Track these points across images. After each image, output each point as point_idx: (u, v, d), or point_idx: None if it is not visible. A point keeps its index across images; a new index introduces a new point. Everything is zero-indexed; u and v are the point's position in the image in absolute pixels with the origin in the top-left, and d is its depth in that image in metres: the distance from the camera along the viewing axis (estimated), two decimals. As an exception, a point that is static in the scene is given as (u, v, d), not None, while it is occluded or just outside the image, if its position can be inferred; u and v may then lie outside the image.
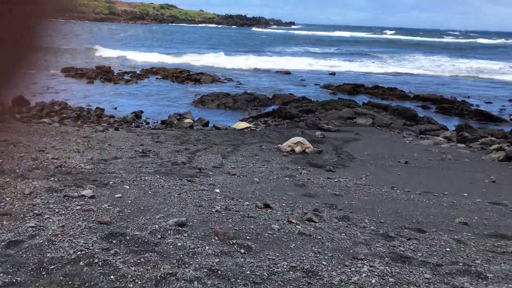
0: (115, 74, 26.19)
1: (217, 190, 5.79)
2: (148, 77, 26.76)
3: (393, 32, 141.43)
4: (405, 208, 6.04)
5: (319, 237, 4.39)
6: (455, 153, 11.20)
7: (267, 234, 4.31)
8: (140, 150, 8.57)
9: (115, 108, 17.72)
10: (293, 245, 4.10)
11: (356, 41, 78.35)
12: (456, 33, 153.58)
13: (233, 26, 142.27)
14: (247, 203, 5.33)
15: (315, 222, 4.87)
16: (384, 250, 4.20)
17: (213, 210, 4.83)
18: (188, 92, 22.08)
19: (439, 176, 8.58)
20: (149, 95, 21.36)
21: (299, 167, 8.42)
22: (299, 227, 4.61)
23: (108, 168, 6.68)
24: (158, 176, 6.35)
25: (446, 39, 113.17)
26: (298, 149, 9.97)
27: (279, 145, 10.36)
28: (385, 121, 15.74)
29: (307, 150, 10.03)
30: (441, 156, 10.55)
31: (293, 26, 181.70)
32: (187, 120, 15.28)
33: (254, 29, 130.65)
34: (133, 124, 14.73)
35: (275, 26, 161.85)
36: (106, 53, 37.61)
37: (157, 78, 26.42)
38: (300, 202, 5.77)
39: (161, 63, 33.77)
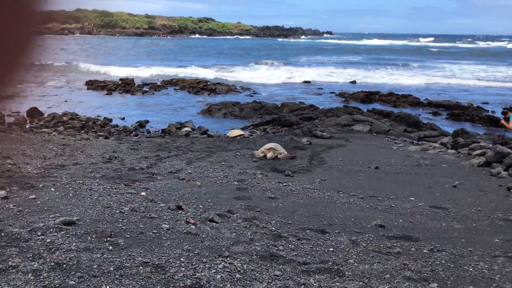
0: (135, 85, 26.99)
1: (143, 193, 6.01)
2: (166, 88, 27.46)
3: (430, 39, 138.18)
4: (331, 211, 6.06)
5: (203, 235, 4.52)
6: (438, 158, 10.99)
7: (151, 233, 4.48)
8: (108, 157, 8.91)
9: (123, 118, 18.31)
10: (168, 243, 4.25)
11: (386, 49, 77.22)
12: (505, 40, 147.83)
13: (268, 37, 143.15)
14: (162, 205, 5.51)
15: (217, 222, 5.00)
16: (259, 249, 4.28)
17: (118, 211, 5.04)
18: (200, 102, 22.51)
19: (401, 181, 8.47)
20: (160, 105, 21.93)
21: (258, 172, 8.53)
22: (193, 227, 4.75)
23: (57, 173, 7.02)
24: (98, 180, 6.63)
25: (485, 45, 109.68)
26: (269, 155, 10.07)
27: (254, 151, 10.50)
28: (384, 127, 15.56)
29: (279, 156, 10.12)
30: (419, 162, 10.39)
31: (328, 35, 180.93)
32: (185, 129, 15.65)
33: (282, 39, 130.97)
34: (132, 133, 15.21)
35: (310, 36, 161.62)
36: (89, 68, 36.49)
37: (175, 89, 27.07)
38: (223, 204, 5.91)
39: (174, 74, 34.50)
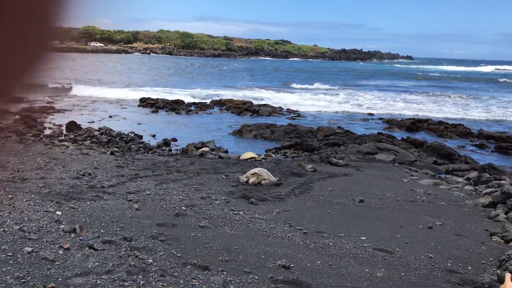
0: (184, 104, 27.54)
1: (58, 213, 5.89)
2: (213, 108, 27.76)
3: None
4: (249, 245, 5.60)
5: (58, 263, 4.29)
6: (443, 195, 9.99)
7: (7, 255, 4.31)
8: (82, 173, 8.98)
9: (154, 136, 18.60)
10: (8, 268, 4.05)
11: (460, 76, 73.29)
12: None
13: (344, 60, 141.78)
14: (63, 226, 5.35)
15: (96, 249, 4.75)
16: (99, 282, 3.95)
17: (2, 230, 4.94)
18: (237, 123, 22.40)
19: (373, 218, 7.73)
20: (198, 124, 22.15)
21: (224, 198, 8.18)
22: (60, 252, 4.53)
23: (8, 185, 7.12)
24: (33, 195, 6.63)
25: None
26: (252, 180, 9.67)
27: (239, 176, 10.14)
28: (409, 158, 14.53)
29: (262, 182, 9.68)
30: (417, 197, 9.49)
31: (406, 60, 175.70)
32: (203, 149, 15.58)
33: (358, 62, 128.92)
34: (151, 150, 15.35)
35: (386, 60, 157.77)
36: (78, 92, 32.54)
37: (220, 109, 27.29)
38: (134, 230, 5.64)
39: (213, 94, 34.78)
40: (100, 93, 31.12)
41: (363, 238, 6.49)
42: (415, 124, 22.50)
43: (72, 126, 18.98)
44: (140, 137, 18.25)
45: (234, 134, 19.74)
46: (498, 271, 5.50)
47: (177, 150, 16.06)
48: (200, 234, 5.83)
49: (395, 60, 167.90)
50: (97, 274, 4.14)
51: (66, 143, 14.91)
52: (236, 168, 11.70)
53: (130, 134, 18.46)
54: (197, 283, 4.23)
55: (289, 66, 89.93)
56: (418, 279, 5.07)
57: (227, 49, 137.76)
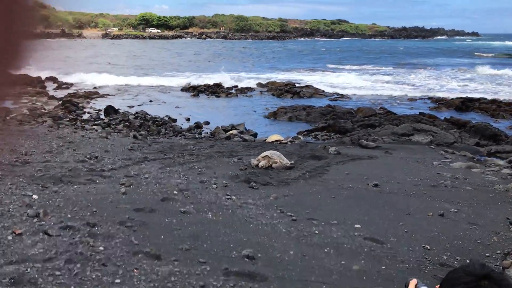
0: (225, 88, 27.35)
1: (35, 196, 5.78)
2: (254, 90, 27.37)
3: None
4: (220, 233, 5.24)
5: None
6: (473, 179, 9.13)
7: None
8: (89, 156, 8.93)
9: (188, 119, 18.51)
10: None
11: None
12: None
13: (405, 39, 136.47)
14: (30, 211, 5.22)
15: (50, 235, 4.57)
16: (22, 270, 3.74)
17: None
18: (275, 106, 21.89)
19: (382, 204, 7.12)
20: (234, 107, 21.90)
21: (224, 181, 7.84)
22: (9, 238, 4.37)
23: (6, 168, 7.15)
24: (21, 179, 6.59)
25: None
26: (262, 163, 9.27)
27: (252, 159, 9.75)
28: (448, 139, 13.53)
29: (273, 165, 9.25)
30: (441, 181, 8.72)
31: (472, 37, 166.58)
32: (231, 131, 15.28)
33: (419, 40, 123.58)
34: (181, 133, 15.22)
35: (444, 37, 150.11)
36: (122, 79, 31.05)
37: (260, 92, 26.85)
38: (105, 215, 5.44)
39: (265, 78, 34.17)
40: (144, 80, 31.49)
41: (358, 226, 5.94)
42: (465, 103, 21.04)
43: (110, 110, 19.26)
44: (174, 120, 18.22)
45: (269, 116, 19.30)
46: (501, 266, 4.81)
47: (206, 133, 15.88)
48: (175, 220, 5.53)
49: (459, 37, 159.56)
50: (33, 261, 3.94)
51: (96, 127, 15.09)
52: (256, 151, 11.30)
53: (164, 117, 18.47)
54: (137, 274, 3.92)
55: (342, 46, 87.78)
56: (399, 273, 4.51)
57: (282, 31, 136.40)
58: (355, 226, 5.95)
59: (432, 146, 13.04)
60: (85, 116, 18.51)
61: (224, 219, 5.81)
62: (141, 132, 14.75)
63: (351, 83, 31.23)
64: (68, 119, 17.27)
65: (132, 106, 21.44)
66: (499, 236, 5.87)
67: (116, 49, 71.93)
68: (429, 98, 24.59)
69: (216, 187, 7.39)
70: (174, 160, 9.41)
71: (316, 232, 5.57)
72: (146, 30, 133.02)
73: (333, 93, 26.11)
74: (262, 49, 79.43)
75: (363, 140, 13.15)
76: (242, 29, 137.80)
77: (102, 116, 18.65)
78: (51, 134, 11.42)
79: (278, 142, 13.43)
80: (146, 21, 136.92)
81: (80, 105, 21.23)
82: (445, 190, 8.18)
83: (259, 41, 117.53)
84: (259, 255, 4.64)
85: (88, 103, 22.37)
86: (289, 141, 13.82)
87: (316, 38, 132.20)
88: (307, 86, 27.29)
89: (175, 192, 6.92)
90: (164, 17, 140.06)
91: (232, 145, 12.17)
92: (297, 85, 27.73)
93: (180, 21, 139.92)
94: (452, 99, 22.40)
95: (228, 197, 6.85)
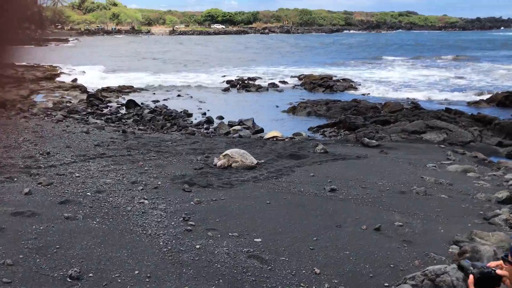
0: (256, 82, 26.70)
1: None
2: (287, 84, 26.49)
3: None
4: (88, 246, 4.64)
5: None
6: (459, 185, 7.91)
7: None
8: (42, 152, 8.68)
9: (204, 114, 18.03)
10: None
11: None
12: None
13: (478, 30, 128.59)
14: None
15: None
16: None
17: None
18: (301, 99, 20.90)
19: (319, 213, 6.20)
20: (258, 102, 21.22)
21: (160, 182, 7.26)
22: None
23: None
24: None
25: None
26: (220, 162, 8.56)
27: (215, 157, 9.06)
28: (464, 138, 12.07)
29: (233, 165, 8.51)
30: (413, 187, 7.59)
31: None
32: (235, 127, 14.64)
33: (494, 31, 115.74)
34: (185, 128, 14.76)
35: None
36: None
37: (294, 86, 25.91)
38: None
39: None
40: (182, 75, 31.49)
41: (258, 240, 5.11)
42: (509, 98, 18.94)
43: (131, 104, 19.26)
44: (190, 115, 17.83)
45: (288, 111, 18.42)
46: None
47: (214, 128, 15.31)
48: (42, 228, 4.98)
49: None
50: None
51: (98, 121, 14.97)
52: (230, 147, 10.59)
53: (181, 112, 18.14)
54: None
55: (404, 39, 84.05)
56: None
57: (346, 24, 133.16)
58: (255, 240, 5.12)
59: (442, 146, 11.66)
60: (105, 110, 18.58)
61: (105, 228, 5.19)
62: (140, 127, 14.49)
63: (393, 76, 29.45)
64: (85, 113, 17.39)
65: (158, 101, 21.34)
66: (426, 259, 4.81)
67: (171, 45, 73.37)
68: (478, 93, 22.46)
69: (142, 189, 6.79)
70: (132, 157, 8.92)
71: (197, 246, 4.81)
72: (211, 26, 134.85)
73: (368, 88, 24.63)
74: (318, 42, 77.81)
75: (365, 138, 12.02)
76: (306, 22, 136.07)
77: (123, 110, 18.67)
78: (33, 128, 11.34)
79: (274, 139, 12.59)
80: (211, 17, 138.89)
81: (107, 99, 21.46)
82: (411, 198, 7.07)
83: (321, 34, 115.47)
84: (90, 274, 3.99)
85: (118, 97, 22.55)
86: (288, 138, 12.93)
87: (382, 31, 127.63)
88: (344, 79, 25.99)
89: (88, 194, 6.40)
90: (228, 13, 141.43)
91: (218, 142, 11.52)
92: (334, 78, 26.48)
93: (244, 17, 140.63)
94: (497, 93, 20.29)
95: (140, 201, 6.22)
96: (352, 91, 23.55)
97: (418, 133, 12.65)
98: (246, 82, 26.21)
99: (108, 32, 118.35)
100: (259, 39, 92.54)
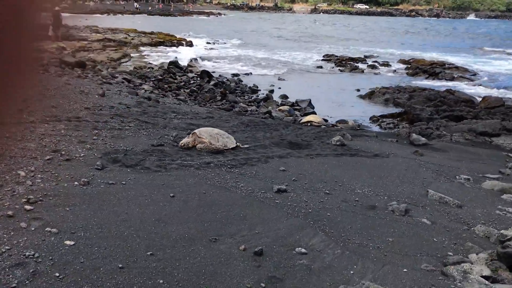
0: (353, 62, 24.48)
1: None
2: (389, 66, 23.82)
3: None
4: None
5: None
6: (477, 210, 5.72)
7: None
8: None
9: (271, 91, 16.70)
10: None
11: None
12: None
13: None
14: None
15: None
16: None
17: None
18: (393, 85, 18.41)
19: (219, 218, 4.76)
20: (342, 83, 19.30)
21: (100, 156, 6.34)
22: None
23: None
24: None
25: None
26: (183, 141, 7.36)
27: (187, 136, 7.86)
28: (550, 148, 9.17)
29: (198, 146, 7.25)
30: (392, 205, 5.64)
31: None
32: (281, 108, 13.17)
33: None
34: (234, 102, 13.72)
35: None
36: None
37: (394, 70, 23.14)
38: None
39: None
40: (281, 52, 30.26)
41: (68, 242, 3.89)
42: None
43: (204, 75, 18.74)
44: (256, 91, 16.69)
45: (364, 97, 16.27)
46: None
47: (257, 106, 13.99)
48: None
49: None
50: None
51: (146, 87, 14.52)
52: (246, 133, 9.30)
53: (247, 87, 17.11)
54: None
55: None
56: None
57: (508, 10, 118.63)
58: (66, 242, 3.91)
59: (511, 154, 8.96)
60: (179, 79, 18.27)
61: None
62: (183, 97, 13.76)
63: None
64: (154, 79, 17.18)
65: (238, 75, 20.50)
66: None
67: (305, 23, 72.12)
68: None
69: (48, 159, 5.90)
70: (107, 124, 8.12)
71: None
72: (355, 6, 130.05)
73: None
74: (463, 28, 70.25)
75: (413, 134, 9.77)
76: (459, 6, 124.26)
77: (195, 81, 18.20)
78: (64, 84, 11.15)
79: (308, 124, 10.93)
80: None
81: (189, 68, 21.20)
82: (373, 218, 5.17)
83: (472, 20, 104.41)
84: None
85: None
86: (325, 125, 11.12)
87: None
88: (456, 67, 22.49)
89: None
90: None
91: (232, 120, 10.27)
92: (446, 66, 23.08)
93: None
94: None
95: (31, 169, 5.34)
96: (460, 80, 20.19)
97: (488, 135, 9.97)
98: (343, 62, 24.10)
99: (251, 8, 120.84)
100: (402, 23, 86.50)
